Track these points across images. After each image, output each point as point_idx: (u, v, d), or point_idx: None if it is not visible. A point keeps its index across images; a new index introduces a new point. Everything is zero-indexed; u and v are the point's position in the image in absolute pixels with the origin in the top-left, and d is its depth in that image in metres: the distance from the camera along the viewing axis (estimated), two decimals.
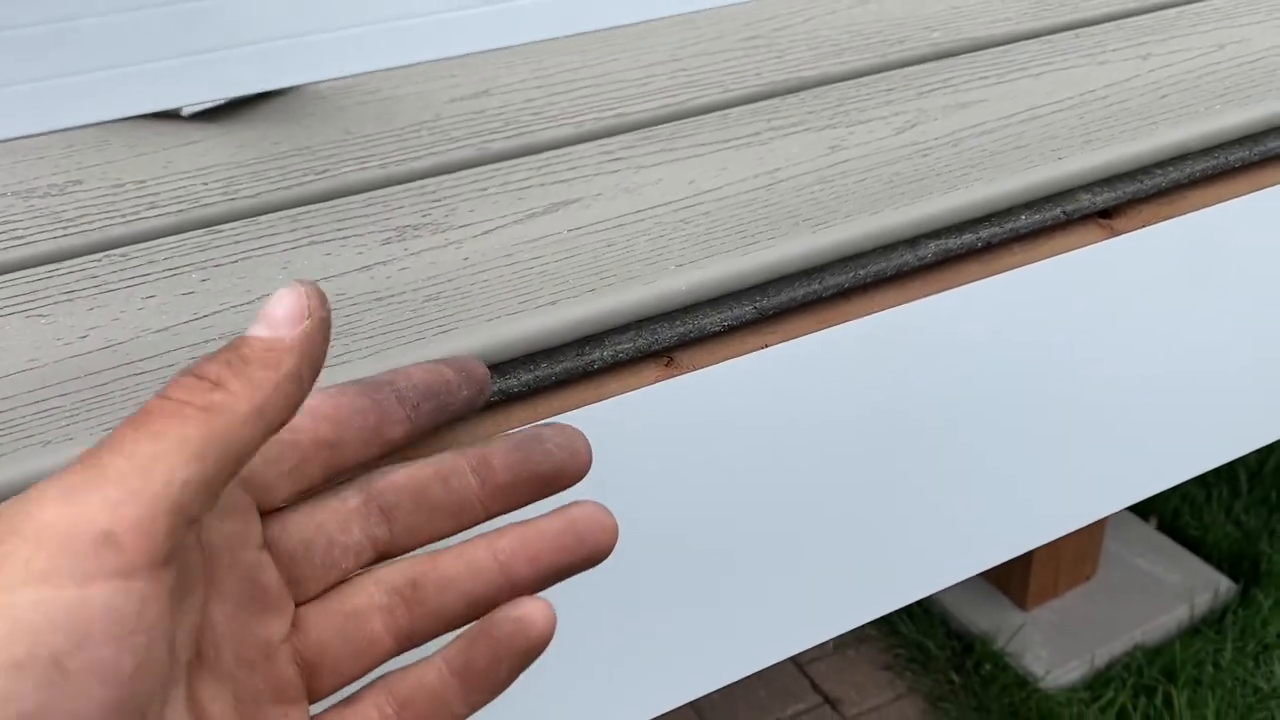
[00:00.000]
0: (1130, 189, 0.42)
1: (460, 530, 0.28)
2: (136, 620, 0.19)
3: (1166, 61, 0.51)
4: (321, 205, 0.42)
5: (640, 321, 0.35)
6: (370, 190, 0.43)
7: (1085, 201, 0.42)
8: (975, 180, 0.41)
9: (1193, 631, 1.66)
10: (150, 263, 0.38)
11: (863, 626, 1.74)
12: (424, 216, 0.40)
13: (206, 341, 0.33)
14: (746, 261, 0.36)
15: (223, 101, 0.51)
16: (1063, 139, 0.44)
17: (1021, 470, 0.45)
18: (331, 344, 0.33)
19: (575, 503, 0.28)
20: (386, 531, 0.27)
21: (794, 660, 1.69)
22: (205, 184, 0.44)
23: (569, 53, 0.57)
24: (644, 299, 0.35)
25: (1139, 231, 0.43)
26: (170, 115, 0.51)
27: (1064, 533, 0.47)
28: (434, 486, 0.28)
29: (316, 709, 0.27)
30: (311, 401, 0.27)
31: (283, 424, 0.23)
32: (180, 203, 0.43)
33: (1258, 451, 1.90)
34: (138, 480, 0.20)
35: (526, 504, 0.29)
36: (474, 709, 0.27)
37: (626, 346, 0.35)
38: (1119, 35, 0.54)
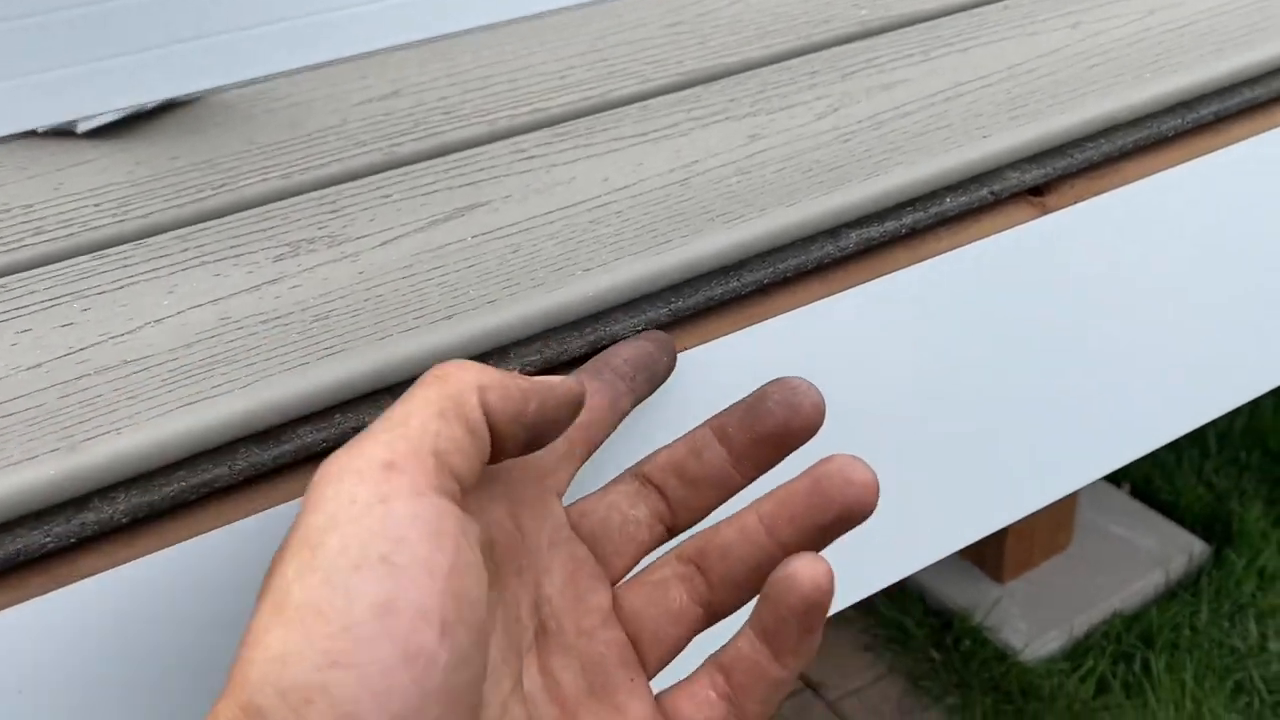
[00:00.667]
0: (1060, 164, 0.41)
1: (727, 498, 0.30)
2: (439, 523, 0.22)
3: (1096, 30, 0.49)
4: (215, 222, 0.40)
5: (547, 332, 0.34)
6: (269, 202, 0.41)
7: (1014, 180, 0.40)
8: (896, 164, 0.39)
9: (1169, 596, 1.66)
10: (30, 293, 0.36)
11: (840, 609, 1.73)
12: (321, 228, 0.38)
13: (81, 377, 0.31)
14: (658, 262, 0.35)
15: (120, 116, 0.49)
16: (988, 116, 0.42)
17: (962, 460, 0.44)
18: (209, 374, 0.31)
19: (825, 459, 0.28)
20: (665, 507, 0.30)
21: None
22: (97, 205, 0.42)
23: (485, 48, 0.55)
24: (548, 308, 0.33)
25: (1071, 208, 0.41)
26: (65, 133, 0.48)
27: (1018, 517, 0.46)
28: (689, 461, 0.30)
29: (655, 687, 0.29)
30: None
31: (503, 428, 0.25)
32: (68, 226, 0.40)
33: (1226, 413, 1.91)
34: (400, 429, 0.23)
35: (771, 465, 0.30)
36: (791, 670, 0.28)
37: (533, 359, 0.33)
38: (1048, 5, 0.52)
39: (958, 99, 0.44)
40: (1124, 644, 1.59)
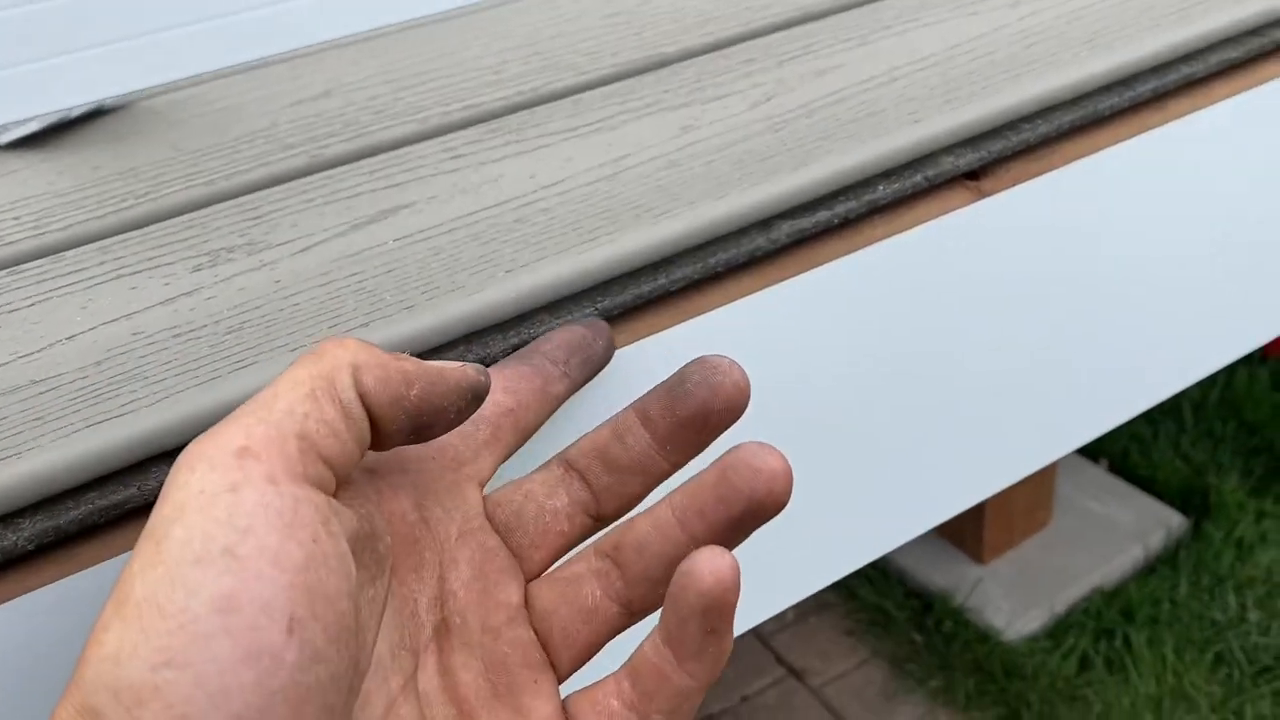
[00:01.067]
0: (996, 147, 0.40)
1: (654, 486, 0.29)
2: (294, 514, 0.21)
3: (1036, 8, 0.49)
4: (136, 233, 0.39)
5: (469, 336, 0.33)
6: (192, 211, 0.40)
7: (948, 165, 0.40)
8: (827, 153, 0.38)
9: (1148, 570, 1.67)
10: None
11: (821, 593, 1.73)
12: (242, 236, 0.37)
13: None
14: (583, 260, 0.34)
15: (44, 126, 0.48)
16: (922, 100, 0.41)
17: (915, 444, 0.43)
18: (118, 393, 0.30)
19: (735, 447, 0.26)
20: (589, 495, 0.29)
21: (757, 634, 1.68)
22: (16, 219, 0.41)
23: (421, 44, 0.54)
24: (467, 312, 0.32)
25: (1009, 191, 0.41)
26: None
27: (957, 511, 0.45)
28: (613, 446, 0.28)
29: (566, 691, 0.27)
30: None
31: (382, 412, 0.24)
32: None
33: (1200, 384, 1.91)
34: (264, 411, 0.22)
35: (698, 450, 0.28)
36: (696, 679, 0.26)
37: None
38: None
39: (892, 84, 0.43)
40: (1105, 620, 1.59)
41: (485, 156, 0.41)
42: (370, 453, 0.26)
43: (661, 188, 0.37)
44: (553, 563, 0.29)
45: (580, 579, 0.28)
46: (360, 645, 0.23)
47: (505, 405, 0.29)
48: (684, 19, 0.53)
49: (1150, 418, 1.88)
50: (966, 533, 1.68)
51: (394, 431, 0.24)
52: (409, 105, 0.47)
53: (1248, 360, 1.93)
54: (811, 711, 1.57)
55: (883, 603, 1.67)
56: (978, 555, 1.68)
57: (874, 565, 1.72)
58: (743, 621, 0.42)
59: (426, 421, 0.25)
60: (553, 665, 0.27)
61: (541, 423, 0.30)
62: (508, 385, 0.29)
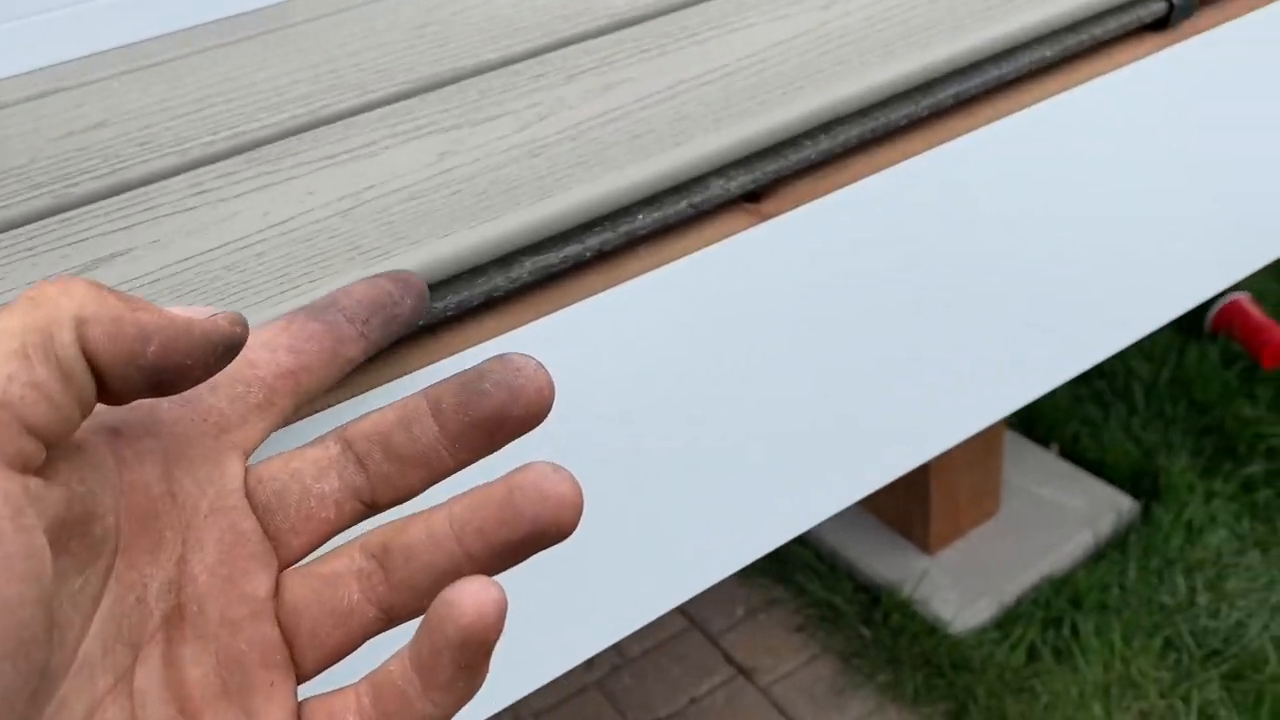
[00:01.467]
0: (772, 167, 0.38)
1: (434, 482, 0.26)
2: None
3: (847, 10, 0.46)
4: None
5: None
6: None
7: (718, 188, 0.37)
8: (579, 181, 0.35)
9: (1098, 556, 1.65)
10: None
11: (771, 589, 1.71)
12: None
13: None
14: (273, 315, 0.31)
15: None
16: (694, 119, 0.38)
17: (706, 479, 0.41)
18: None
19: (525, 465, 0.24)
20: (364, 480, 0.26)
21: (705, 632, 1.66)
22: None
23: (218, 64, 0.51)
24: None
25: (793, 212, 0.38)
26: None
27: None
28: (397, 433, 0.26)
29: (305, 692, 0.25)
30: (264, 334, 0.26)
31: (111, 370, 0.21)
32: None
33: (1152, 366, 1.89)
34: None
35: (487, 453, 0.26)
36: (440, 709, 0.23)
37: None
38: None
39: (670, 100, 0.40)
40: (1053, 609, 1.57)
41: (229, 191, 0.38)
42: (116, 412, 0.23)
43: (391, 224, 0.35)
44: (313, 550, 0.26)
45: (339, 578, 0.25)
46: (57, 647, 0.21)
47: (286, 366, 0.26)
48: (492, 29, 0.50)
49: (1101, 400, 1.86)
50: (914, 523, 1.66)
51: (125, 391, 0.22)
52: (177, 135, 0.44)
53: (1198, 338, 1.91)
54: (760, 711, 1.55)
55: (831, 597, 1.65)
56: (925, 545, 1.66)
57: (822, 560, 1.70)
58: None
59: (167, 380, 0.22)
60: (296, 664, 0.25)
61: (327, 388, 0.27)
62: (293, 344, 0.26)
